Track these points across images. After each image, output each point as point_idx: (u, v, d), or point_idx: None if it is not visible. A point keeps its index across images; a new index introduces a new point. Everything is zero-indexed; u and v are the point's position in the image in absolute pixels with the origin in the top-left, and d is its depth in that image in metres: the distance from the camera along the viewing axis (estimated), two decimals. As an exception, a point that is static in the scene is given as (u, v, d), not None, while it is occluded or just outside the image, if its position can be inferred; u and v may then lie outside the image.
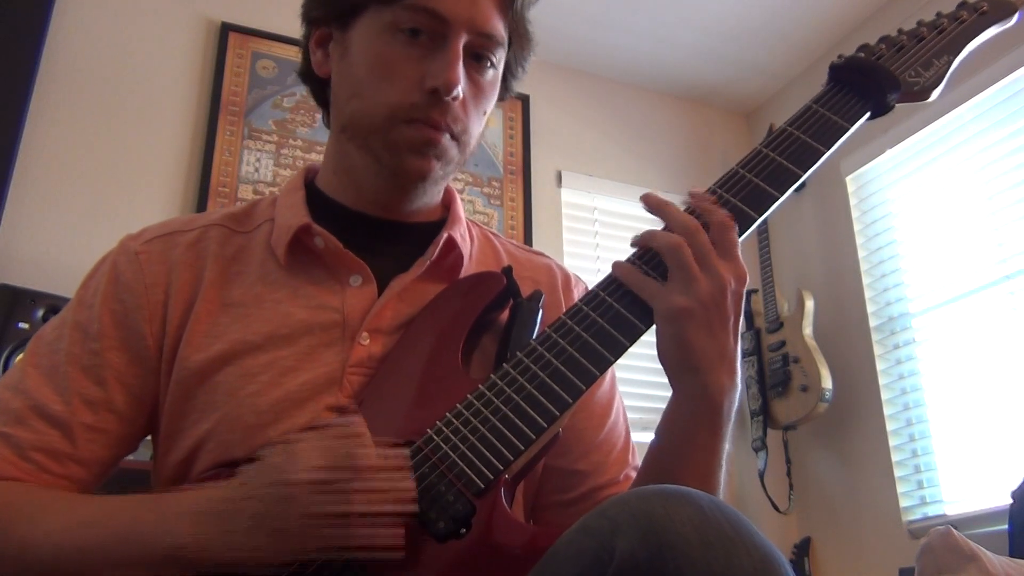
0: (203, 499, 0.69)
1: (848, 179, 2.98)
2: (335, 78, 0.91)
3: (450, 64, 0.83)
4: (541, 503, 0.91)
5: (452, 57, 0.83)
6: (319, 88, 0.96)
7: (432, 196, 0.95)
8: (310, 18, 0.93)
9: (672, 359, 0.76)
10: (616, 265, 0.79)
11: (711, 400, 0.75)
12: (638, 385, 2.67)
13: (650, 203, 0.80)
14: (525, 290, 0.87)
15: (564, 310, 0.94)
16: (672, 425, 0.78)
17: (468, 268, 0.94)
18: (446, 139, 0.86)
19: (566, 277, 1.01)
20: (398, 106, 0.84)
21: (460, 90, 0.84)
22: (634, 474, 0.93)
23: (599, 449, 0.92)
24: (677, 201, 0.79)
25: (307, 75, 0.96)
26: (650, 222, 0.81)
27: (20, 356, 0.94)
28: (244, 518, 0.65)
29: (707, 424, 0.75)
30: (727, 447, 0.78)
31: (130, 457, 0.89)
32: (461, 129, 0.87)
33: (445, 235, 0.91)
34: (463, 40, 0.85)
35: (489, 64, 0.89)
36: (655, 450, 0.81)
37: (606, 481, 0.91)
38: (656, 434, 0.81)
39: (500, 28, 0.88)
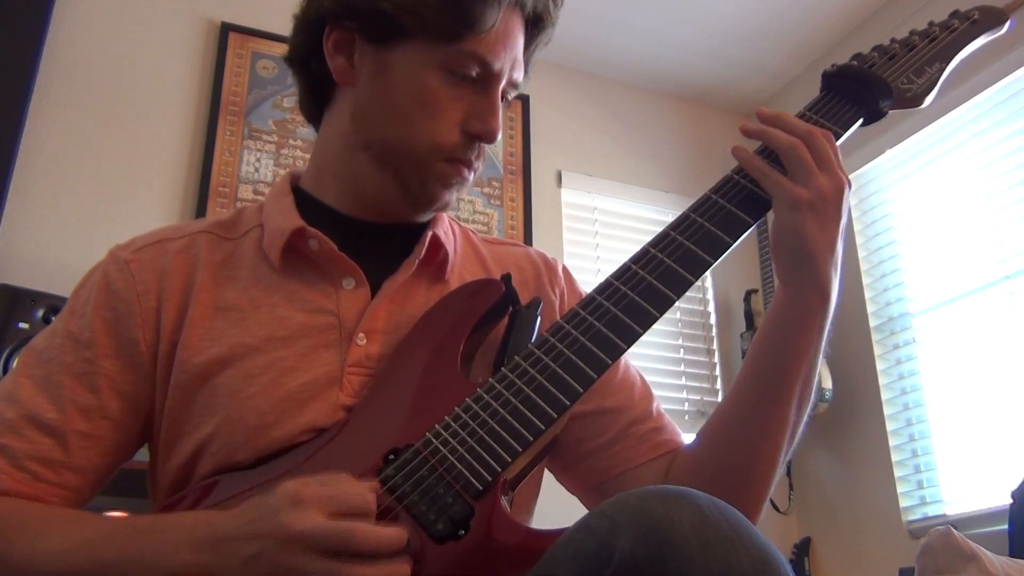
0: (204, 527, 0.69)
1: (848, 179, 2.98)
2: (364, 94, 0.89)
3: (494, 114, 0.88)
4: (585, 451, 0.92)
5: (496, 106, 0.88)
6: (317, 82, 0.94)
7: None
8: (329, 13, 0.90)
9: (789, 248, 0.81)
10: (737, 150, 0.84)
11: (822, 288, 0.81)
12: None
13: (765, 115, 0.85)
14: (513, 281, 0.88)
15: (552, 292, 0.97)
16: (784, 317, 0.83)
17: (454, 265, 0.95)
18: (471, 176, 0.91)
19: (546, 260, 1.03)
20: (441, 145, 0.87)
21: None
22: (662, 408, 0.96)
23: (622, 387, 0.95)
24: (677, 201, 0.79)
25: (304, 66, 0.94)
26: (650, 223, 0.82)
27: (13, 367, 0.94)
28: (241, 555, 0.65)
29: (818, 311, 0.82)
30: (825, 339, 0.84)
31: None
32: (481, 164, 0.92)
33: (430, 233, 0.92)
34: (502, 87, 0.89)
35: (505, 104, 0.93)
36: (765, 344, 0.84)
37: (638, 415, 0.93)
38: (760, 336, 0.85)
39: (524, 72, 0.93)
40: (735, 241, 0.81)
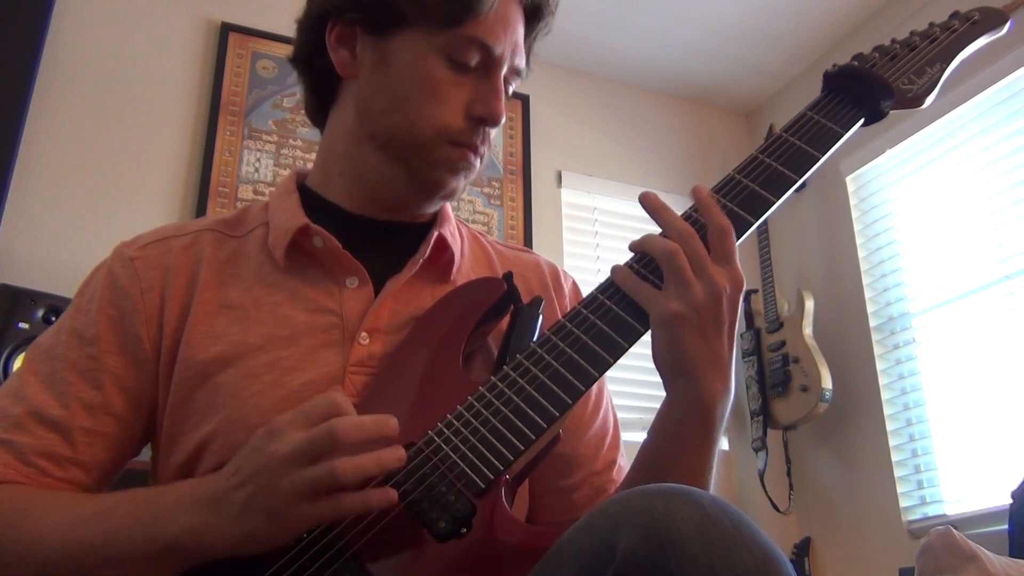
0: (197, 488, 0.70)
1: (848, 179, 2.99)
2: (367, 85, 0.90)
3: (497, 96, 0.88)
4: (542, 488, 0.92)
5: (498, 89, 0.88)
6: (321, 79, 0.94)
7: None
8: (331, 8, 0.91)
9: (666, 364, 0.78)
10: (615, 269, 0.81)
11: (703, 405, 0.76)
12: (636, 385, 2.68)
13: (648, 205, 0.81)
14: (518, 286, 0.88)
15: (556, 304, 0.96)
16: (665, 427, 0.80)
17: (460, 266, 0.95)
18: (478, 162, 0.91)
19: (554, 271, 1.02)
20: (446, 129, 0.87)
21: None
22: (622, 461, 0.96)
23: (596, 435, 0.95)
24: (677, 201, 0.79)
25: (308, 64, 0.94)
26: (650, 223, 0.82)
27: (18, 363, 0.94)
28: (236, 502, 0.66)
29: (699, 427, 0.77)
30: (718, 448, 0.80)
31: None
32: (486, 150, 0.92)
33: (436, 233, 0.92)
34: (504, 72, 0.89)
35: (509, 91, 0.93)
36: (648, 450, 0.83)
37: (602, 466, 0.94)
38: (649, 434, 0.83)
39: (526, 62, 0.93)
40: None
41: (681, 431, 0.78)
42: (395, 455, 0.67)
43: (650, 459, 0.82)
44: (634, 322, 0.77)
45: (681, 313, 0.74)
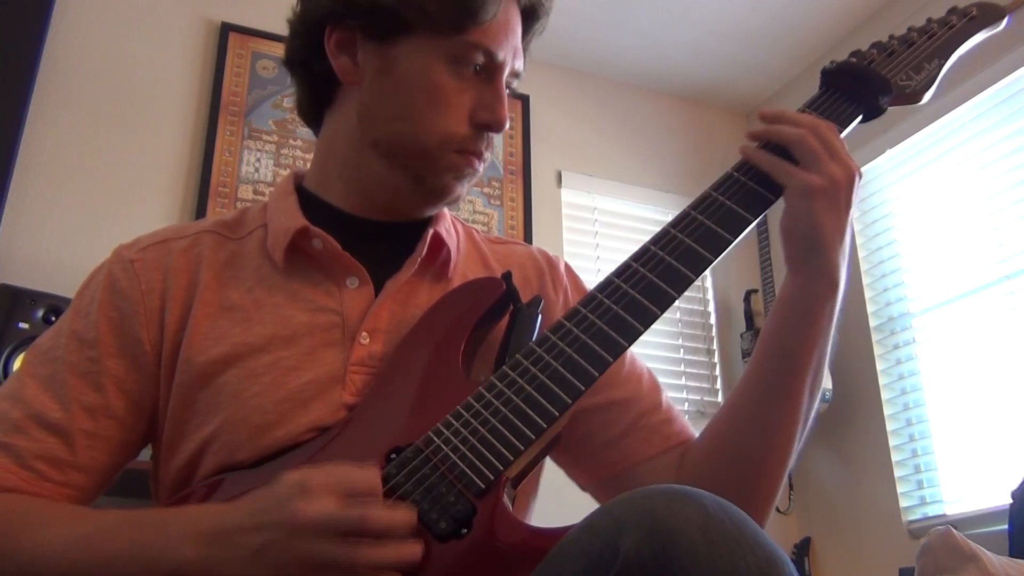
0: (209, 520, 0.69)
1: (848, 179, 2.98)
2: (370, 92, 0.90)
3: (501, 102, 0.89)
4: (595, 445, 0.92)
5: (502, 95, 0.89)
6: (318, 83, 0.94)
7: None
8: (329, 13, 0.90)
9: (799, 235, 0.81)
10: (744, 147, 0.84)
11: (831, 276, 0.81)
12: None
13: (768, 115, 0.85)
14: (515, 279, 0.88)
15: (554, 289, 0.97)
16: (793, 304, 0.83)
17: (456, 263, 0.95)
18: (481, 167, 0.92)
19: (547, 258, 1.03)
20: (451, 136, 0.87)
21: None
22: (671, 401, 0.96)
23: (629, 379, 0.95)
24: (677, 201, 0.79)
25: (305, 68, 0.94)
26: (650, 223, 0.82)
27: (18, 364, 0.94)
28: (248, 547, 0.65)
29: (827, 300, 0.82)
30: (832, 342, 0.85)
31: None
32: (489, 155, 0.93)
33: (431, 231, 0.92)
34: (505, 76, 0.90)
35: (509, 94, 0.94)
36: (775, 335, 0.84)
37: (648, 407, 0.94)
38: (772, 322, 0.85)
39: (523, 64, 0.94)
40: (735, 239, 0.81)
41: (813, 306, 0.82)
42: (413, 551, 0.66)
43: (779, 344, 0.83)
44: (634, 321, 0.77)
45: (822, 186, 0.78)
